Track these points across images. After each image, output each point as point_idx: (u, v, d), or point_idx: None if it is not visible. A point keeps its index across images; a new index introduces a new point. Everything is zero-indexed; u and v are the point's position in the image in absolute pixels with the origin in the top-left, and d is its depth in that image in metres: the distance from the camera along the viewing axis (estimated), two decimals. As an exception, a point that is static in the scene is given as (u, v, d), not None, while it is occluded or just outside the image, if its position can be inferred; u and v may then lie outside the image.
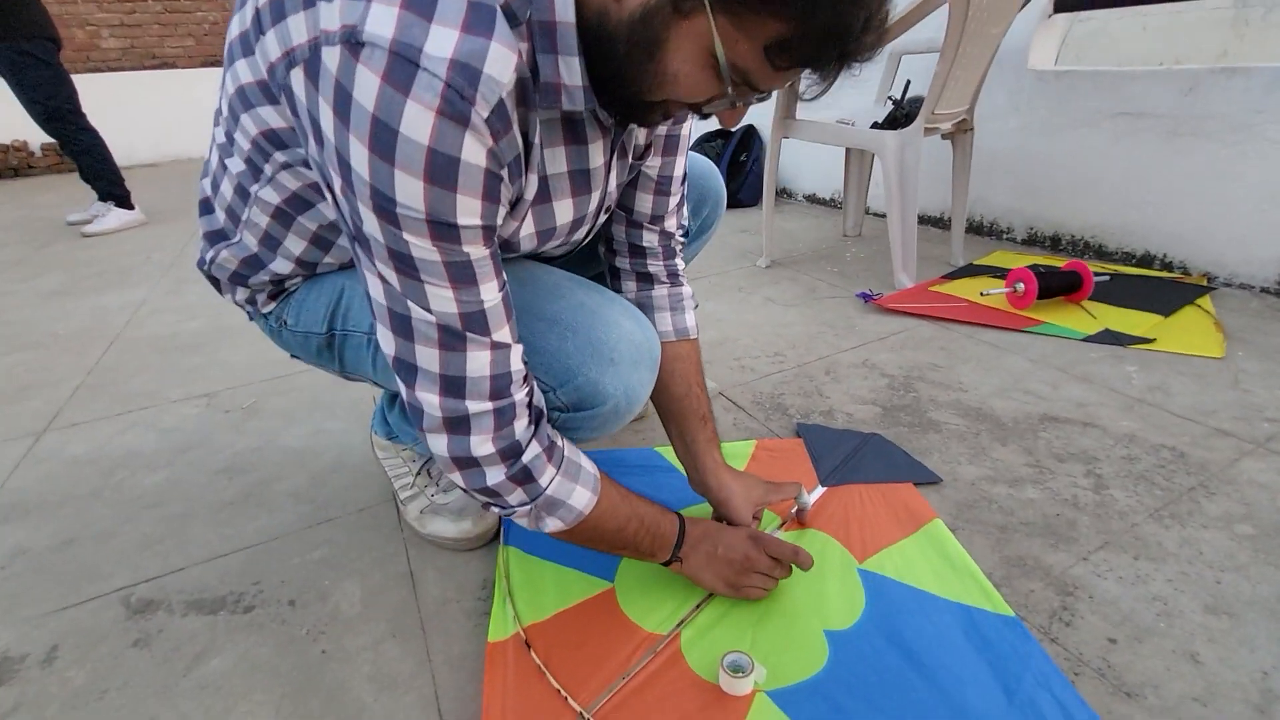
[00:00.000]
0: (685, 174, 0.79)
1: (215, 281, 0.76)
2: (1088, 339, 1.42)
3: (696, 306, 0.86)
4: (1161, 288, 1.65)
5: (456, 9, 0.43)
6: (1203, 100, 1.60)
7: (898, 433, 1.11)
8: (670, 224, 0.80)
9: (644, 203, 0.77)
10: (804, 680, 0.67)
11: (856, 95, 2.22)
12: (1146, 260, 1.81)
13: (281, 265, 0.70)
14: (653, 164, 0.74)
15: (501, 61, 0.44)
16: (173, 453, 1.16)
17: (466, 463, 0.58)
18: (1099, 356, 1.35)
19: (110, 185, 2.93)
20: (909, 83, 1.84)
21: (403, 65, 0.42)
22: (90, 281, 2.21)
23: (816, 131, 1.81)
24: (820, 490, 0.94)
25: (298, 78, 0.47)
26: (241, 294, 0.76)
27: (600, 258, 0.85)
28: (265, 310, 0.77)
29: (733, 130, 2.93)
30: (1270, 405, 1.14)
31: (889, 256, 1.80)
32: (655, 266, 0.81)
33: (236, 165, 0.64)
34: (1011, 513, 0.91)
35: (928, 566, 0.81)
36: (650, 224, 0.79)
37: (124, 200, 2.98)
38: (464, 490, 0.62)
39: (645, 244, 0.80)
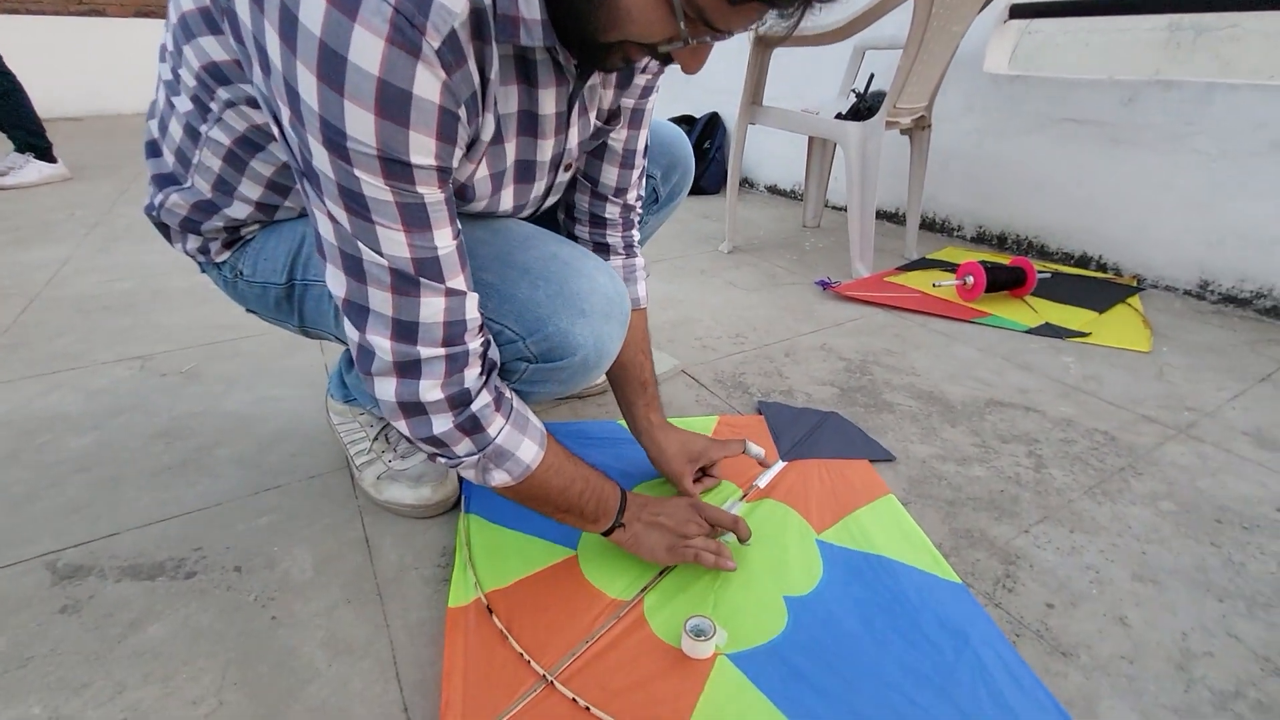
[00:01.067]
0: (646, 147, 0.79)
1: (164, 229, 0.71)
2: (1030, 331, 1.49)
3: (648, 276, 0.88)
4: (1097, 287, 1.74)
5: None
6: (1141, 110, 1.70)
7: (854, 412, 1.14)
8: (631, 196, 0.80)
9: (609, 175, 0.77)
10: (764, 644, 0.68)
11: (820, 87, 2.26)
12: (1084, 261, 1.91)
13: (238, 210, 0.67)
14: (618, 136, 0.73)
15: None
16: (103, 415, 1.08)
17: (413, 409, 0.57)
18: (1040, 348, 1.42)
19: (30, 135, 2.70)
20: (872, 76, 1.89)
21: None
22: (4, 237, 2.03)
23: (782, 118, 1.83)
24: (780, 464, 0.96)
25: (242, 2, 0.44)
26: (193, 242, 0.72)
27: (560, 228, 0.84)
28: (219, 260, 0.73)
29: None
30: (1190, 396, 1.23)
31: (847, 247, 1.84)
32: (614, 238, 0.82)
33: (184, 104, 0.60)
34: (959, 488, 0.95)
35: (882, 534, 0.83)
36: (614, 196, 0.79)
37: (45, 153, 2.75)
38: (409, 440, 0.60)
39: (607, 215, 0.80)
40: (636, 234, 0.84)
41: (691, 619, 0.68)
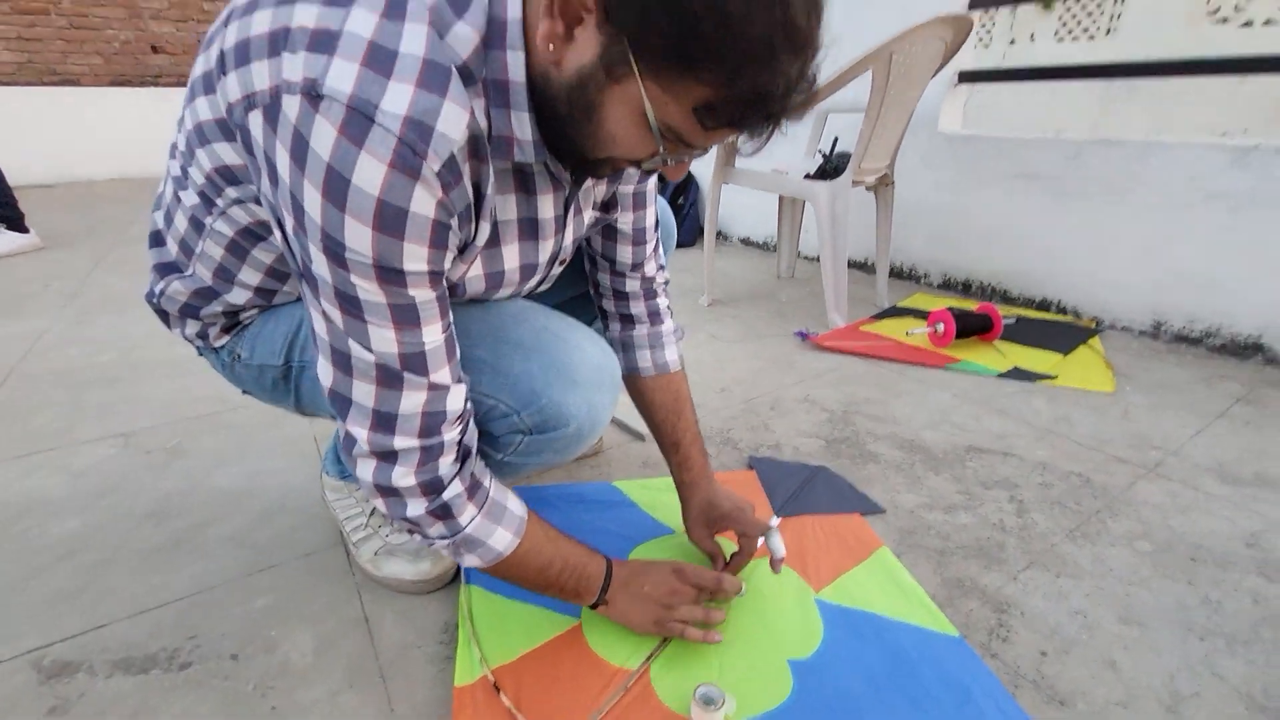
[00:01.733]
0: (658, 221, 0.84)
1: (164, 315, 0.73)
2: (1001, 375, 1.55)
3: (681, 339, 0.91)
4: (1058, 329, 1.83)
5: (413, 67, 0.45)
6: (1085, 166, 1.82)
7: (841, 465, 1.18)
8: (649, 268, 0.84)
9: (624, 253, 0.81)
10: (771, 709, 0.69)
11: (788, 147, 2.38)
12: (1044, 305, 2.01)
13: (237, 295, 0.69)
14: (625, 219, 0.78)
15: (454, 119, 0.47)
16: (88, 497, 1.06)
17: (388, 491, 0.59)
18: (1011, 391, 1.48)
19: (1, 206, 2.69)
20: (836, 139, 2.00)
21: (359, 120, 0.45)
22: (-23, 310, 2.00)
23: (755, 179, 1.92)
24: (776, 520, 0.98)
25: (256, 120, 0.48)
26: (192, 327, 0.73)
27: (580, 278, 0.89)
28: (217, 344, 0.74)
29: (676, 180, 3.04)
30: (1155, 434, 1.29)
31: (822, 297, 1.91)
32: (637, 308, 0.86)
33: (190, 198, 0.63)
34: (948, 537, 0.98)
35: (879, 591, 0.85)
36: (631, 272, 0.83)
37: (16, 222, 2.73)
38: (385, 516, 0.62)
39: (628, 290, 0.85)
40: (663, 301, 0.88)
41: (701, 687, 0.69)
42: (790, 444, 1.25)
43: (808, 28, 0.44)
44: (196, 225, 0.64)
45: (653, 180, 0.79)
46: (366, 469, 0.59)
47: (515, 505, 0.67)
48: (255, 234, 0.63)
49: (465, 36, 0.47)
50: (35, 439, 1.24)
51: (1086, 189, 1.83)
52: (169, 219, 0.67)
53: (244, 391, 0.80)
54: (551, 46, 0.47)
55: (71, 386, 1.47)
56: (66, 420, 1.31)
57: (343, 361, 0.54)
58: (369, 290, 0.51)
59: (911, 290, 2.26)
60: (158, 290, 0.71)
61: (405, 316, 0.53)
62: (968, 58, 2.07)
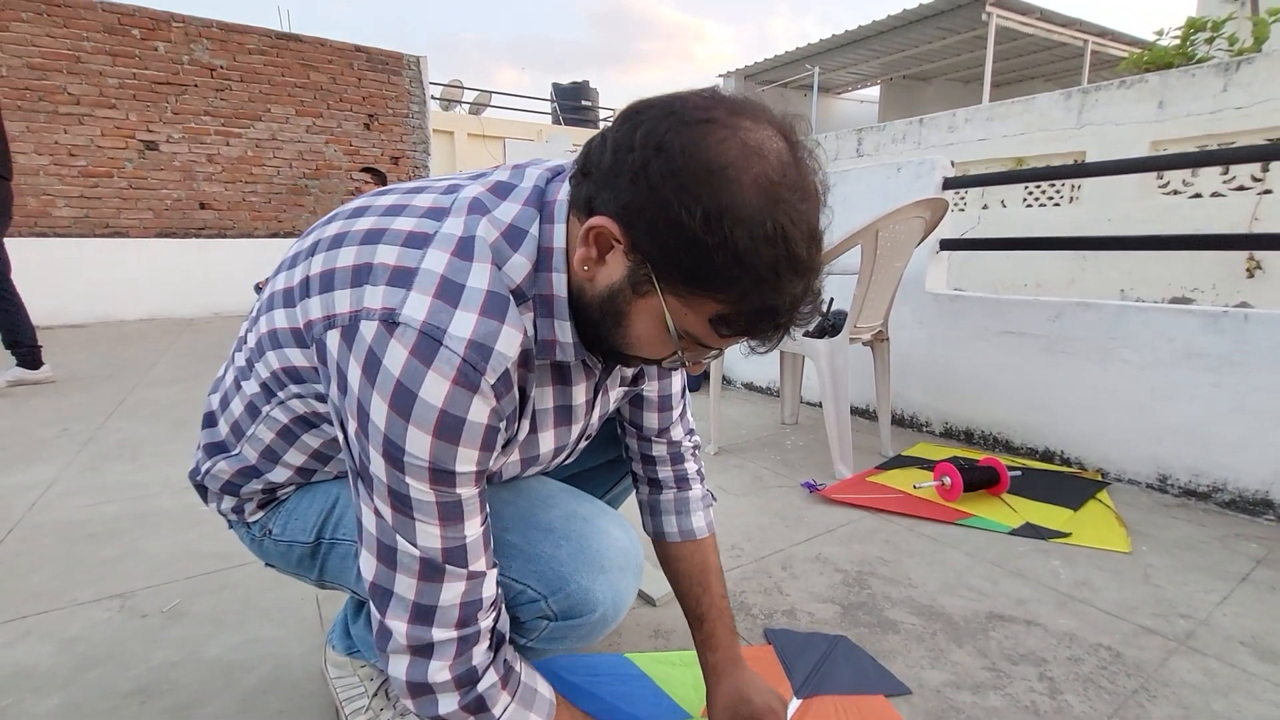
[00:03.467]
0: (685, 388, 0.89)
1: (203, 490, 0.76)
2: (1012, 532, 1.54)
3: (711, 504, 0.92)
4: (1066, 482, 1.84)
5: (478, 296, 0.53)
6: (1068, 326, 1.93)
7: (859, 634, 1.13)
8: (676, 433, 0.88)
9: (650, 420, 0.86)
10: None
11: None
12: (1048, 455, 2.03)
13: (279, 474, 0.72)
14: (651, 386, 0.84)
15: (510, 340, 0.54)
16: (74, 670, 1.02)
17: (421, 689, 0.59)
18: (1026, 550, 1.45)
19: (20, 346, 2.85)
20: (832, 299, 2.14)
21: (429, 343, 0.51)
22: (-9, 456, 2.02)
23: (754, 354, 2.03)
24: (796, 702, 0.93)
25: (333, 338, 0.55)
26: (228, 503, 0.76)
27: (601, 448, 0.92)
28: (251, 519, 0.76)
29: (696, 374, 3.20)
30: (1181, 601, 1.25)
31: (826, 445, 1.94)
32: (664, 473, 0.89)
33: (252, 388, 0.68)
34: (980, 723, 0.92)
35: (912, 791, 0.79)
36: (657, 437, 0.88)
37: (30, 357, 2.88)
38: (416, 716, 0.61)
39: (655, 454, 0.88)
40: (691, 465, 0.90)
41: None
42: (805, 609, 1.21)
43: (808, 256, 0.51)
44: (253, 411, 0.69)
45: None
46: (400, 666, 0.58)
47: (545, 689, 0.66)
48: (309, 421, 0.67)
49: (519, 265, 0.56)
50: (31, 600, 1.21)
51: (1072, 347, 1.93)
52: (225, 402, 0.72)
53: (267, 564, 0.81)
54: (586, 267, 0.55)
55: (74, 540, 1.45)
56: (64, 580, 1.28)
57: (388, 555, 0.57)
58: (420, 490, 0.54)
59: (914, 438, 2.30)
60: (203, 469, 0.74)
61: (451, 512, 0.56)
62: (947, 225, 2.28)
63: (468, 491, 0.56)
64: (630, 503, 1.01)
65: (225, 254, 5.84)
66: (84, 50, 5.24)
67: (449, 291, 0.53)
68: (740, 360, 3.10)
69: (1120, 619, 1.19)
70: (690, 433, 0.91)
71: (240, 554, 1.37)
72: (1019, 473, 1.83)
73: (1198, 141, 4.50)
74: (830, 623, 1.17)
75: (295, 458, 0.71)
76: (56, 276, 5.11)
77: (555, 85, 13.09)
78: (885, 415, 2.13)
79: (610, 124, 0.54)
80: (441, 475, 0.54)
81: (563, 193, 0.58)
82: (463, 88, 11.13)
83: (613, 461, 0.96)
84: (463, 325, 0.52)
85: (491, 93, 11.27)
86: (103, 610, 1.18)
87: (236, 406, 0.70)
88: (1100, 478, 1.88)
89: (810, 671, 1.01)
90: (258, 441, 0.70)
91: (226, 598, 1.23)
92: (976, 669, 1.05)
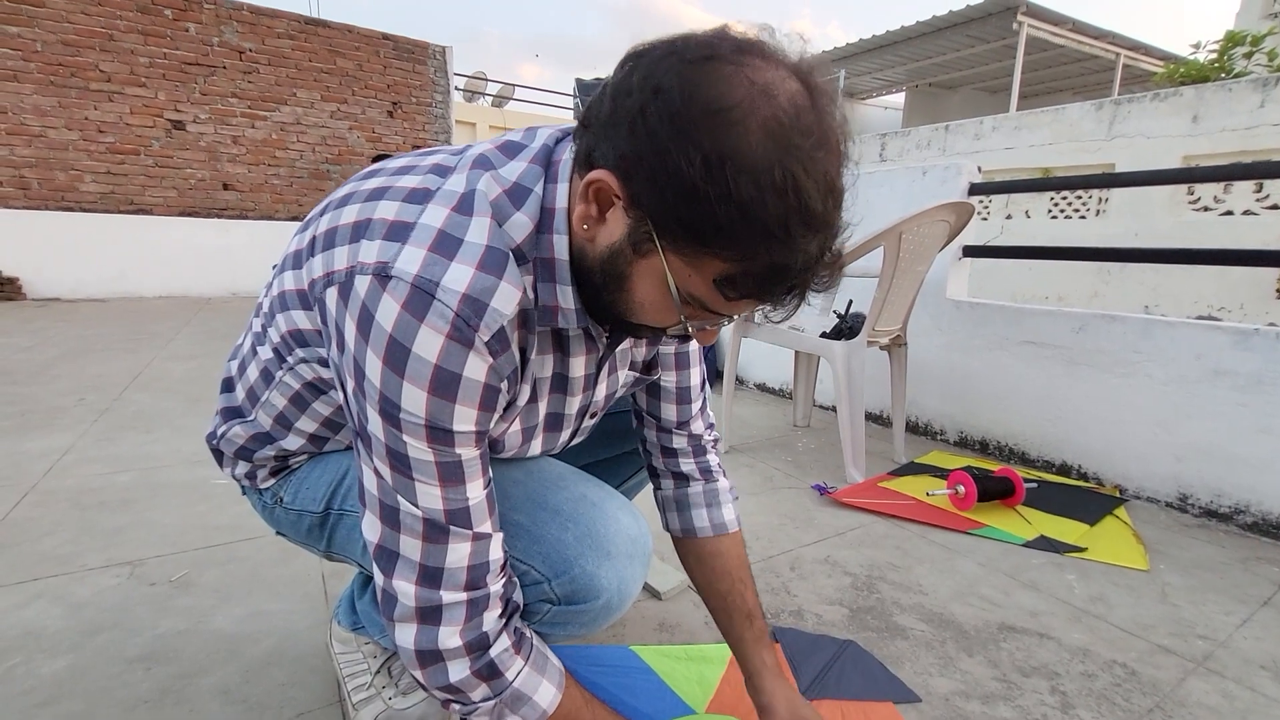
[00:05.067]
0: (704, 380, 0.85)
1: (219, 454, 0.76)
2: (1027, 544, 1.51)
3: (736, 499, 0.89)
4: (1082, 497, 1.80)
5: (475, 251, 0.52)
6: (1091, 338, 1.90)
7: (867, 638, 1.11)
8: (696, 426, 0.85)
9: (668, 411, 0.83)
10: None
11: (805, 306, 2.51)
12: (1065, 469, 1.99)
13: (292, 441, 0.72)
14: (669, 378, 0.81)
15: (507, 297, 0.52)
16: (81, 634, 1.02)
17: (430, 657, 0.57)
18: (1040, 563, 1.43)
19: None
20: (851, 301, 2.11)
21: (421, 296, 0.50)
22: (10, 422, 2.05)
23: (773, 334, 2.01)
24: (801, 704, 0.91)
25: (331, 295, 0.54)
26: (242, 468, 0.76)
27: (618, 439, 0.90)
28: (263, 486, 0.76)
29: (707, 345, 3.18)
30: (1199, 622, 1.22)
31: (838, 448, 1.92)
32: (688, 465, 0.85)
33: (266, 353, 0.68)
34: (989, 734, 0.90)
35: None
36: (677, 429, 0.84)
37: None
38: (424, 689, 0.60)
39: (675, 446, 0.85)
40: (713, 458, 0.87)
41: None
42: (813, 611, 1.19)
43: (824, 210, 0.46)
44: (267, 377, 0.68)
45: (693, 343, 0.82)
46: (408, 634, 0.57)
47: (555, 659, 0.65)
48: (317, 388, 0.67)
49: (521, 224, 0.54)
50: (42, 564, 1.22)
51: (1095, 360, 1.89)
52: (242, 368, 0.72)
53: (277, 532, 0.81)
54: (586, 226, 0.52)
55: (87, 507, 1.47)
56: (75, 545, 1.30)
57: (391, 516, 0.56)
58: (418, 449, 0.53)
59: (928, 446, 2.26)
60: (219, 432, 0.74)
61: (451, 473, 0.55)
62: (970, 233, 2.24)
63: (468, 452, 0.55)
64: (648, 497, 1.00)
65: (246, 235, 5.90)
66: (117, 28, 5.31)
67: (445, 245, 0.51)
68: (753, 360, 3.08)
69: (1136, 636, 1.16)
70: (710, 427, 0.88)
71: (248, 528, 1.38)
72: (1035, 485, 1.80)
73: (1232, 157, 4.41)
74: (838, 625, 1.15)
75: (307, 425, 0.70)
76: (81, 251, 5.19)
77: (578, 80, 13.08)
78: (900, 421, 2.10)
79: (612, 71, 0.50)
80: (439, 434, 0.53)
81: (569, 152, 0.54)
82: (486, 80, 11.17)
83: (629, 453, 0.94)
84: (457, 279, 0.50)
85: (515, 85, 11.30)
86: (112, 577, 1.19)
87: (252, 372, 0.70)
88: (1118, 494, 1.84)
89: (818, 674, 0.99)
90: (271, 408, 0.70)
91: (233, 570, 1.23)
92: (987, 679, 1.02)
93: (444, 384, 0.51)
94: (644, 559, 0.70)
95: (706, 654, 1.02)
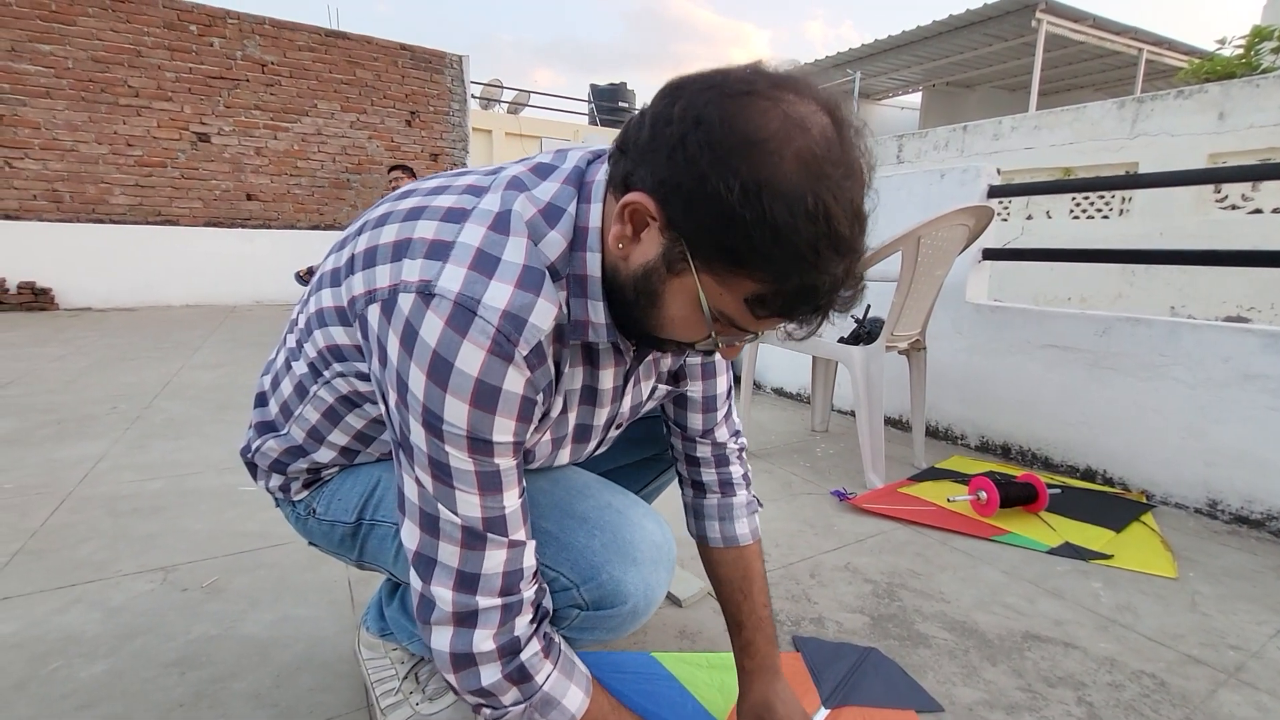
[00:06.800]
0: (729, 389, 0.86)
1: (253, 468, 0.78)
2: (1051, 551, 1.49)
3: (757, 510, 0.90)
4: (1108, 503, 1.77)
5: (513, 270, 0.54)
6: (1115, 341, 1.87)
7: (889, 646, 1.11)
8: (720, 434, 0.86)
9: (694, 420, 0.84)
10: None
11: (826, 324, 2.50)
12: (1089, 475, 1.96)
13: (324, 455, 0.74)
14: (695, 387, 0.82)
15: (544, 313, 0.54)
16: (118, 638, 1.05)
17: (464, 660, 0.59)
18: (1065, 570, 1.41)
19: None
20: (869, 305, 2.10)
21: (463, 313, 0.52)
22: (46, 430, 2.12)
23: (791, 341, 2.00)
24: (824, 712, 0.91)
25: (374, 312, 0.56)
26: (275, 480, 0.78)
27: (638, 446, 0.92)
28: (296, 498, 0.78)
29: (731, 359, 3.19)
30: (1231, 631, 1.20)
31: (857, 454, 1.91)
32: (709, 476, 0.87)
33: (301, 368, 0.70)
34: (1014, 745, 0.90)
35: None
36: (701, 438, 0.85)
37: None
38: (456, 693, 0.61)
39: (699, 455, 0.86)
40: (736, 469, 0.88)
41: None
42: (833, 619, 1.19)
43: (851, 236, 0.49)
44: (301, 391, 0.71)
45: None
46: (444, 637, 0.59)
47: (580, 664, 0.67)
48: (352, 402, 0.68)
49: (555, 242, 0.56)
50: (78, 570, 1.26)
51: (1120, 363, 1.86)
52: (276, 383, 0.74)
53: (310, 543, 0.83)
54: (621, 245, 0.54)
55: (121, 514, 1.51)
56: (111, 551, 1.33)
57: (430, 524, 0.58)
58: (460, 459, 0.55)
59: (949, 451, 2.24)
60: (253, 446, 0.77)
61: (489, 483, 0.57)
62: (990, 234, 2.22)
63: (505, 463, 0.57)
64: (674, 500, 1.00)
65: (269, 244, 6.02)
66: (144, 45, 5.45)
67: (484, 264, 0.53)
68: (771, 365, 3.08)
69: (1165, 646, 1.14)
70: (736, 434, 0.89)
71: (276, 534, 1.41)
72: (1058, 490, 1.78)
73: (1260, 155, 4.32)
74: (859, 633, 1.15)
75: (339, 438, 0.72)
76: (110, 261, 5.33)
77: (593, 86, 13.17)
78: (919, 426, 2.09)
79: (650, 101, 0.52)
80: (479, 445, 0.55)
81: (601, 173, 0.57)
82: (502, 87, 11.28)
83: (649, 459, 0.96)
84: (497, 296, 0.52)
85: (530, 92, 11.39)
86: (146, 582, 1.22)
87: (286, 387, 0.72)
88: (1145, 499, 1.81)
89: (839, 682, 0.99)
90: (304, 421, 0.72)
91: (262, 576, 1.26)
92: (1011, 689, 1.02)
93: (485, 397, 0.53)
94: (669, 565, 0.72)
95: (728, 661, 1.02)
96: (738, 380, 2.63)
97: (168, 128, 5.61)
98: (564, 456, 0.72)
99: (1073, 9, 8.37)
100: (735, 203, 0.46)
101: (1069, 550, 1.49)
